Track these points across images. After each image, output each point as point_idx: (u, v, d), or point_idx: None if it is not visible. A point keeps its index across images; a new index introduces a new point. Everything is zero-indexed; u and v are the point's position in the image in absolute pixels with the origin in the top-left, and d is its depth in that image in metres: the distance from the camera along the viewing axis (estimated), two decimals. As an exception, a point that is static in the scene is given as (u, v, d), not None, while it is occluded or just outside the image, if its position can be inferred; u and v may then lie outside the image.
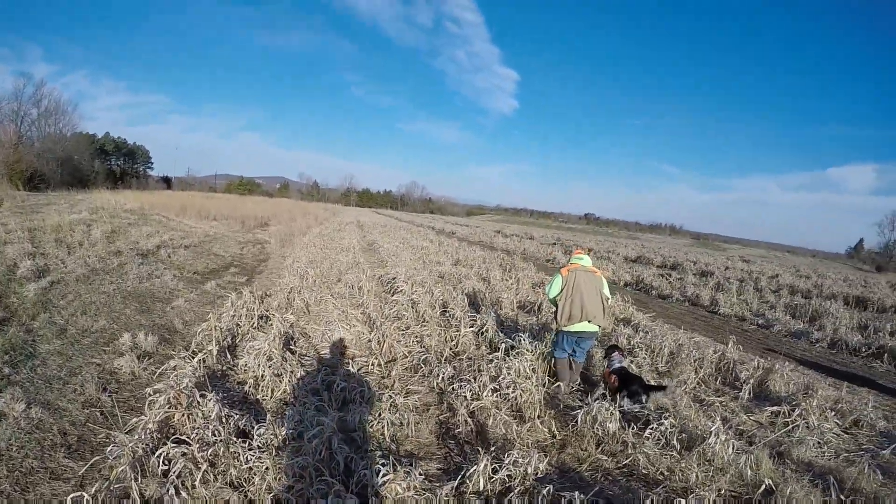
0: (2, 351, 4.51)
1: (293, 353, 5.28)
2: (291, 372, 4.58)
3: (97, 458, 3.14)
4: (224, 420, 3.48)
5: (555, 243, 27.10)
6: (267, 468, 3.04)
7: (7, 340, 4.73)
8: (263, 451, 3.19)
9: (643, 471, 3.51)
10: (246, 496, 2.90)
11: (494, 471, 3.10)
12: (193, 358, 4.61)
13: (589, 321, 4.64)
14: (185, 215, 19.48)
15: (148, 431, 3.24)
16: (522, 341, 5.23)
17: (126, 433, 3.28)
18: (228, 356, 5.10)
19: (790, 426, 4.33)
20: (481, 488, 2.98)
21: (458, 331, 6.08)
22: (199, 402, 3.59)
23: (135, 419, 3.43)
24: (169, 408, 3.50)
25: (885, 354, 7.60)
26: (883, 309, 11.84)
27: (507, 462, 3.16)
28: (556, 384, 4.79)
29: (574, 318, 4.62)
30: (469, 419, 4.11)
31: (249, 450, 3.18)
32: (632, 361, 5.62)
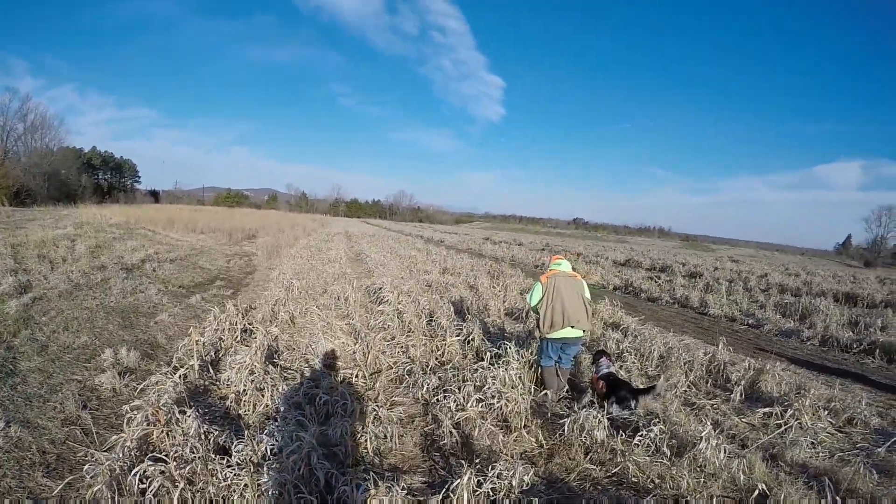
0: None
1: (276, 366, 5.19)
2: (274, 386, 4.49)
3: (74, 476, 3.09)
4: (203, 436, 3.42)
5: (543, 249, 27.21)
6: (245, 485, 2.97)
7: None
8: (242, 468, 3.11)
9: (633, 479, 3.44)
10: (223, 515, 2.82)
11: (479, 484, 3.03)
12: (175, 373, 4.54)
13: (572, 326, 4.60)
14: (172, 229, 19.26)
15: (126, 449, 3.19)
16: (509, 349, 5.13)
17: (104, 451, 3.23)
18: (211, 371, 4.99)
19: (783, 427, 4.25)
20: (465, 503, 2.91)
21: (444, 340, 6.00)
22: (178, 418, 3.51)
23: (114, 437, 3.37)
24: (147, 425, 3.43)
25: (877, 350, 7.56)
26: (873, 304, 11.81)
27: (490, 475, 3.09)
28: (543, 392, 4.72)
29: (556, 324, 4.58)
30: (454, 430, 4.02)
31: (228, 467, 3.11)
32: (621, 366, 5.58)
